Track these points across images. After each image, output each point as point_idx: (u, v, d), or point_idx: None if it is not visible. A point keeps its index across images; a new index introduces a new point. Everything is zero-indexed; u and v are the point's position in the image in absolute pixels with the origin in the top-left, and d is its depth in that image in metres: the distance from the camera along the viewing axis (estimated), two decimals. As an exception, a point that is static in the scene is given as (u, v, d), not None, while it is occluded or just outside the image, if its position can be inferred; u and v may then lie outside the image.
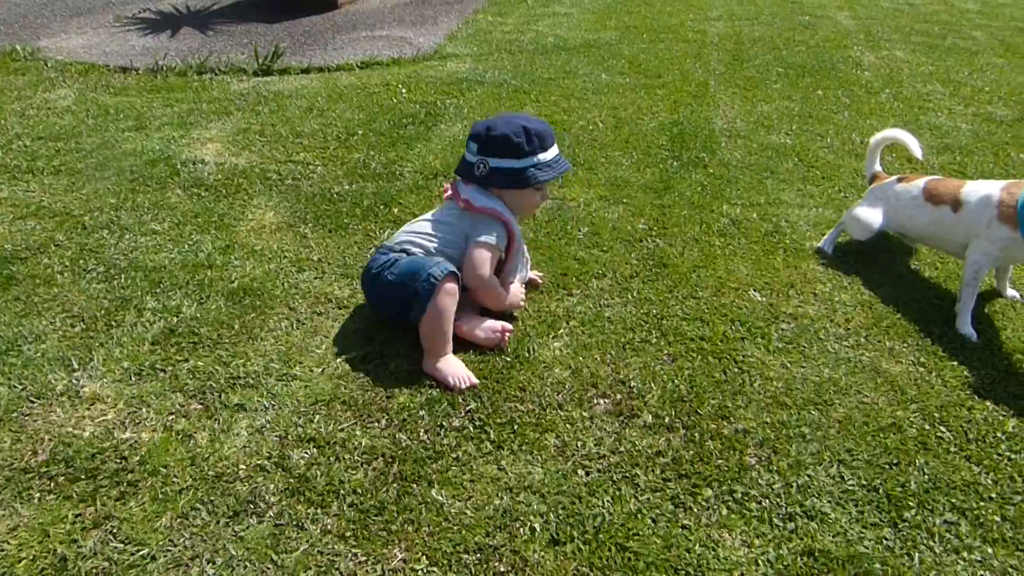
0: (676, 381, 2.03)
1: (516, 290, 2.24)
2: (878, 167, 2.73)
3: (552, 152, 2.14)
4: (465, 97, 4.33)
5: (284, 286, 2.49)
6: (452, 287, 2.04)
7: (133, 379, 2.09)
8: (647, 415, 1.93)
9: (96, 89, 4.83)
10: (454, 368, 2.01)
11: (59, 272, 2.62)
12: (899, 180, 2.57)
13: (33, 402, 2.03)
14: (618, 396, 1.98)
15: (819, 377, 2.07)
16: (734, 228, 2.82)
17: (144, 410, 1.98)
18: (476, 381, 1.99)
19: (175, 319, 2.33)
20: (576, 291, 2.42)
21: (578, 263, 2.57)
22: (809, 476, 1.77)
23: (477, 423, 1.90)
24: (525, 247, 2.35)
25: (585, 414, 1.93)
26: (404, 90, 4.51)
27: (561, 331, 2.23)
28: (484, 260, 2.14)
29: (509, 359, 2.12)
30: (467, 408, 1.95)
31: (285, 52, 5.52)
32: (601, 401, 1.98)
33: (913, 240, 2.56)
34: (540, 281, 2.42)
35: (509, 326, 2.13)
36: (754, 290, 2.44)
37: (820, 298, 2.41)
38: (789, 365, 2.12)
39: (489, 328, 2.12)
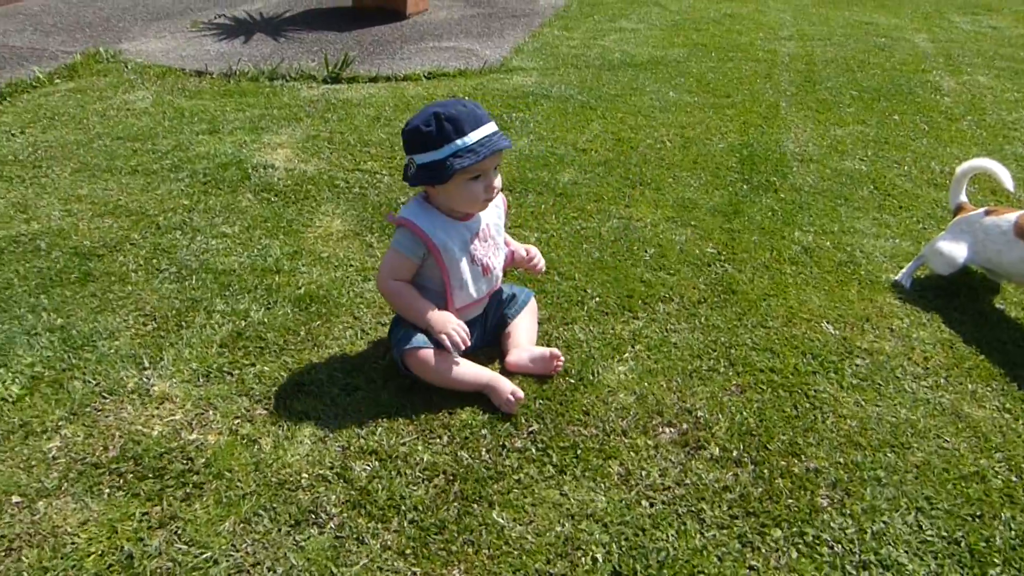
0: (744, 413, 1.97)
1: (444, 318, 2.00)
2: (963, 198, 2.63)
3: (477, 134, 1.87)
4: (531, 111, 4.33)
5: (349, 295, 2.51)
6: (423, 356, 2.00)
7: (201, 380, 2.13)
8: (714, 447, 1.88)
9: (172, 92, 4.97)
10: (497, 393, 1.98)
11: (133, 270, 2.68)
12: (987, 213, 2.47)
13: (105, 398, 2.08)
14: (684, 426, 1.94)
15: (895, 418, 2.00)
16: (806, 256, 2.75)
17: (211, 412, 2.01)
18: (521, 394, 1.95)
19: (243, 323, 2.37)
20: (642, 314, 2.39)
21: (644, 285, 2.53)
22: (884, 523, 1.70)
23: (540, 445, 1.88)
24: (494, 257, 2.12)
25: (650, 442, 1.89)
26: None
27: (626, 355, 2.20)
28: (384, 265, 2.05)
29: (573, 381, 2.09)
30: (530, 429, 1.93)
31: (354, 60, 5.60)
32: (666, 430, 1.93)
33: (999, 277, 2.45)
34: (531, 266, 2.22)
35: (559, 355, 2.09)
36: (827, 322, 2.36)
37: (897, 334, 2.33)
38: (863, 403, 2.04)
39: (539, 358, 2.08)
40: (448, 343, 2.00)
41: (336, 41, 5.92)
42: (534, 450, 1.86)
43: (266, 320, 2.38)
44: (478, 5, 6.79)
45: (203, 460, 1.86)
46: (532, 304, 2.27)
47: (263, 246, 2.84)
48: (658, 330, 2.31)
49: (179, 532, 1.67)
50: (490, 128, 1.94)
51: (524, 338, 2.16)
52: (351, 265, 2.72)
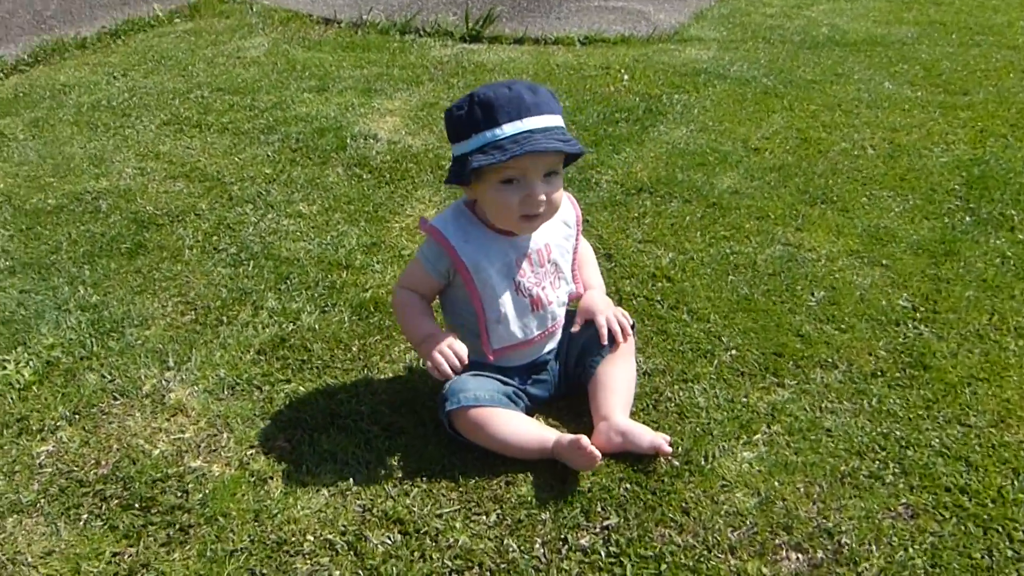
0: (911, 550, 1.62)
1: (435, 339, 1.78)
2: None
3: (514, 127, 1.65)
4: (699, 93, 4.01)
5: (422, 307, 2.34)
6: (473, 417, 1.79)
7: (225, 393, 2.03)
8: (857, 593, 1.55)
9: (291, 41, 5.04)
10: (568, 452, 1.74)
11: (189, 247, 2.66)
12: None
13: (116, 399, 2.03)
14: (819, 554, 1.61)
15: None
16: (1041, 327, 2.30)
17: (224, 435, 1.91)
18: (598, 455, 1.70)
19: (291, 326, 2.26)
20: (790, 381, 2.06)
21: (800, 341, 2.19)
22: None
23: (613, 548, 1.62)
24: (552, 288, 1.89)
25: (766, 570, 1.58)
26: (626, 76, 4.27)
27: (757, 437, 1.89)
28: (402, 276, 1.93)
29: (677, 464, 1.81)
30: (605, 522, 1.68)
31: (500, 17, 5.47)
32: (793, 556, 1.62)
33: None
34: (619, 333, 1.91)
35: (668, 449, 1.80)
36: (1058, 428, 1.94)
37: None
38: (1096, 559, 1.63)
39: (637, 446, 1.80)
40: (434, 371, 1.78)
41: (485, -8, 5.82)
42: (604, 554, 1.61)
43: (317, 326, 2.26)
44: (659, -41, 6.47)
45: (200, 496, 1.75)
46: (629, 345, 1.98)
47: (338, 233, 2.74)
48: (808, 407, 1.97)
49: (147, 587, 1.56)
50: (542, 122, 1.68)
51: (618, 402, 1.89)
52: (434, 268, 2.55)
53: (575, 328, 1.97)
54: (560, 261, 1.93)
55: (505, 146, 1.66)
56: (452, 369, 1.77)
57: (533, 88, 1.72)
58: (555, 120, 1.73)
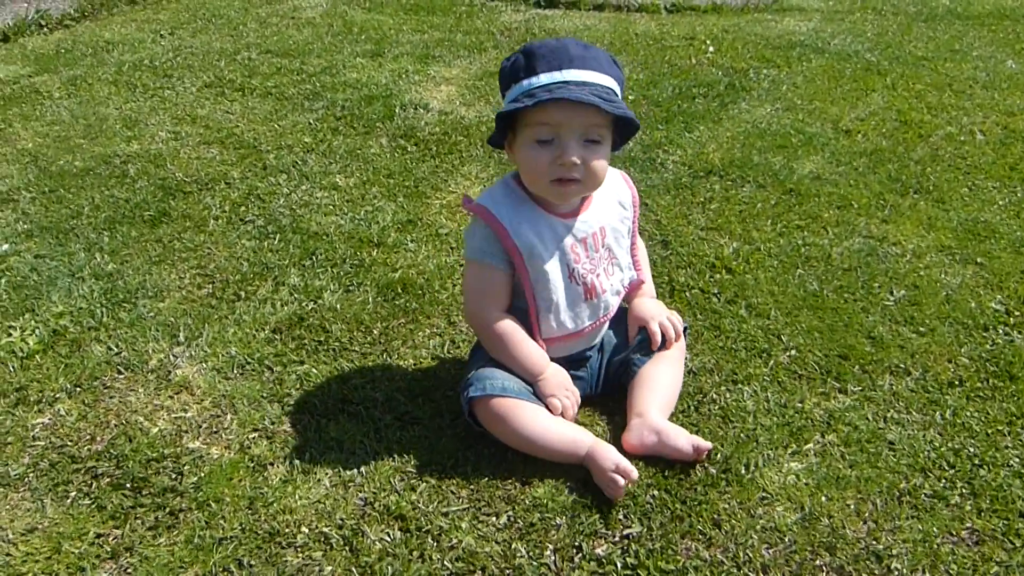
0: (972, 581, 1.55)
1: (555, 380, 1.84)
2: None
3: (550, 76, 1.65)
4: (791, 68, 3.92)
5: (454, 290, 2.36)
6: (496, 407, 1.79)
7: (234, 372, 2.08)
8: (903, 627, 1.49)
9: (352, 1, 5.12)
10: (597, 465, 1.72)
11: (215, 217, 2.73)
12: None
13: (120, 372, 2.09)
14: (864, 579, 1.56)
15: None
16: None
17: (228, 416, 1.95)
18: (634, 474, 1.68)
19: (311, 305, 2.30)
20: (854, 387, 2.00)
21: (871, 343, 2.12)
22: None
23: (631, 559, 1.60)
24: (606, 275, 1.88)
25: (801, 594, 1.54)
26: (711, 48, 4.21)
27: (808, 446, 1.84)
28: (466, 288, 1.89)
29: (714, 471, 1.78)
30: (626, 531, 1.66)
31: (576, -20, 5.43)
32: (834, 580, 1.57)
33: None
34: (672, 339, 1.93)
35: (707, 445, 1.77)
36: None
37: None
38: None
39: (673, 447, 1.77)
40: (557, 410, 1.82)
41: (560, -46, 5.79)
42: (620, 565, 1.59)
43: (338, 306, 2.29)
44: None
45: (194, 479, 1.79)
46: (679, 349, 1.96)
47: (373, 208, 2.77)
48: (870, 417, 1.91)
49: (129, 570, 1.61)
50: (579, 75, 1.66)
51: (656, 401, 1.86)
52: (471, 249, 2.56)
53: (630, 338, 1.97)
54: (614, 246, 1.91)
55: (537, 94, 1.66)
56: (570, 410, 1.83)
57: (584, 45, 1.71)
58: (603, 79, 1.70)
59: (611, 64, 1.74)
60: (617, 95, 1.73)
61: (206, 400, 2.01)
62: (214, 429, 1.93)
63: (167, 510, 1.73)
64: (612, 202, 1.87)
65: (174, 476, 1.81)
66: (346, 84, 3.77)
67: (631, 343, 1.97)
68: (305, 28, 4.60)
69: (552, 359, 1.89)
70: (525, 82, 1.68)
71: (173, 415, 1.97)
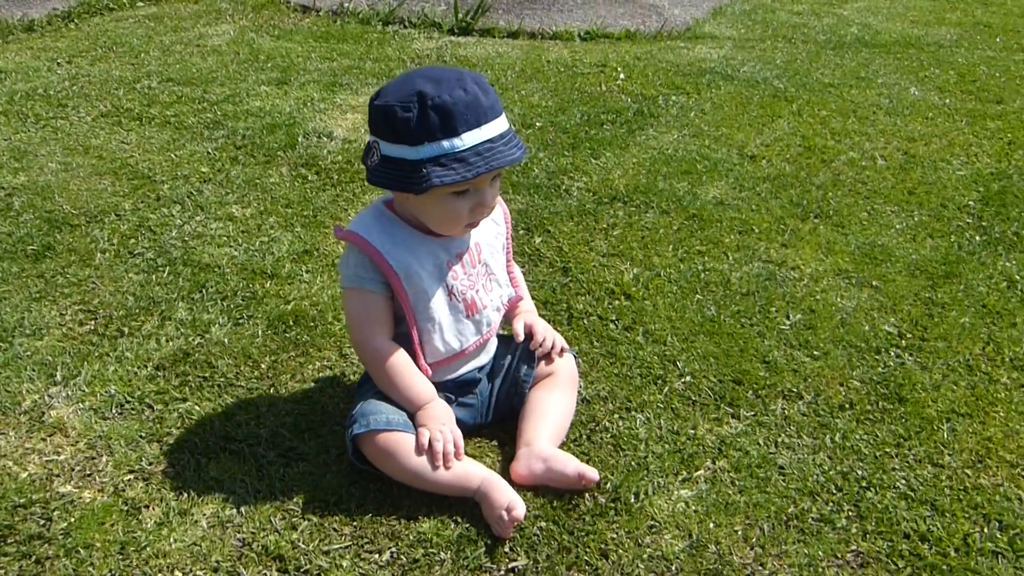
0: (855, 605, 1.58)
1: (433, 413, 1.81)
2: None
3: (474, 136, 1.66)
4: (700, 95, 4.00)
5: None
6: (382, 443, 1.78)
7: (112, 412, 2.03)
8: (785, 653, 1.51)
9: (260, 29, 5.10)
10: (488, 503, 1.72)
11: (102, 250, 2.67)
12: None
13: (-9, 415, 2.02)
14: (749, 606, 1.58)
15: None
16: (1043, 360, 2.25)
17: (104, 459, 1.91)
18: (521, 513, 1.68)
19: (197, 340, 2.26)
20: (746, 412, 2.03)
21: (765, 368, 2.16)
22: None
23: (516, 594, 1.60)
24: (485, 291, 1.91)
25: (686, 624, 1.55)
26: (622, 75, 4.28)
27: (699, 472, 1.86)
28: (348, 318, 1.90)
29: (603, 501, 1.78)
30: (511, 565, 1.65)
31: (491, 7, 5.50)
32: (719, 607, 1.58)
33: None
34: (549, 351, 1.98)
35: (594, 475, 1.78)
36: (1044, 473, 1.89)
37: None
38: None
39: (560, 475, 1.78)
40: (423, 442, 1.77)
41: (475, -19, 5.85)
42: (503, 600, 1.58)
43: (227, 340, 2.26)
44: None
45: (63, 526, 1.74)
46: (569, 368, 1.98)
47: (269, 239, 2.75)
48: (762, 442, 1.94)
49: (-13, 623, 1.55)
50: (497, 128, 1.70)
51: (546, 429, 1.87)
52: (369, 280, 2.55)
53: (517, 335, 1.98)
54: (491, 261, 1.94)
55: (468, 160, 1.67)
56: (446, 456, 1.76)
57: (482, 86, 1.72)
58: (505, 122, 1.74)
59: (496, 95, 1.76)
60: (515, 132, 1.77)
61: (81, 442, 1.96)
62: (87, 472, 1.88)
63: (33, 558, 1.68)
64: (487, 220, 1.89)
65: (42, 522, 1.76)
66: (248, 112, 3.74)
67: (517, 338, 1.98)
68: (210, 56, 4.56)
69: (440, 384, 1.89)
70: (447, 143, 1.66)
71: (44, 458, 1.91)
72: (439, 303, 1.83)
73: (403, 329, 1.84)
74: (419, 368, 1.85)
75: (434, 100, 1.64)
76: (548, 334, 1.99)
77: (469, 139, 1.66)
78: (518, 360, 1.98)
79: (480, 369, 1.98)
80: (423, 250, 1.81)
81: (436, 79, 1.68)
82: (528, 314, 2.04)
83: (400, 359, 1.83)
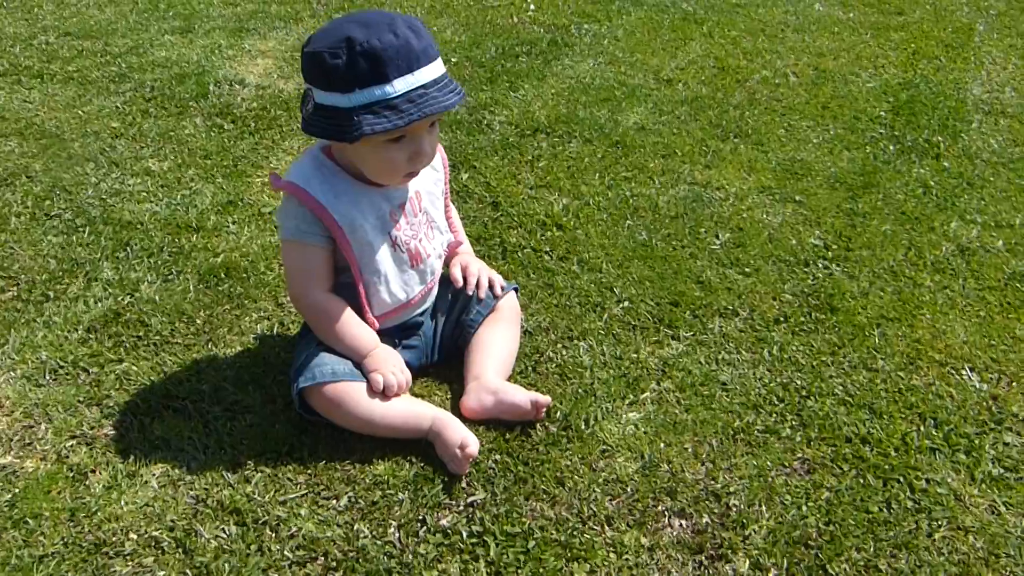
0: (804, 508, 1.62)
1: (382, 357, 1.78)
2: None
3: (406, 82, 1.60)
4: (611, 23, 3.96)
5: (280, 270, 2.28)
6: (330, 393, 1.74)
7: (46, 378, 1.95)
8: (742, 560, 1.54)
9: (155, -24, 4.84)
10: (442, 441, 1.70)
11: (16, 214, 2.54)
12: None
13: (-85, 392, 1.92)
14: (704, 519, 1.60)
15: (1052, 538, 1.60)
16: (960, 261, 2.31)
17: (43, 426, 1.83)
18: (475, 448, 1.67)
19: (127, 299, 2.18)
20: (685, 333, 2.04)
21: (700, 288, 2.18)
22: None
23: (476, 527, 1.59)
24: (428, 239, 1.87)
25: (645, 541, 1.57)
26: (532, 6, 4.20)
27: (645, 396, 1.87)
28: (287, 270, 1.84)
29: (554, 429, 1.78)
30: (469, 499, 1.64)
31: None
32: (676, 523, 1.61)
33: None
34: (492, 289, 1.94)
35: (545, 403, 1.78)
36: (971, 369, 1.96)
37: (1082, 397, 1.90)
38: (1003, 509, 1.65)
39: (511, 406, 1.77)
40: (378, 388, 1.74)
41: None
42: (465, 534, 1.58)
43: (157, 298, 2.18)
44: None
45: (7, 497, 1.67)
46: (510, 304, 1.96)
47: (191, 192, 2.65)
48: (704, 360, 1.96)
49: (-63, 605, 1.48)
50: (431, 73, 1.64)
51: (492, 363, 1.86)
52: (298, 227, 2.48)
53: (456, 281, 1.94)
54: (431, 209, 1.89)
55: (400, 106, 1.60)
56: (399, 388, 1.75)
57: (415, 29, 1.64)
58: (441, 66, 1.68)
59: (432, 37, 1.70)
60: (450, 77, 1.71)
61: (16, 411, 1.87)
62: (27, 441, 1.80)
63: (-22, 534, 1.60)
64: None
65: (-15, 496, 1.68)
66: (155, 64, 3.58)
67: (456, 284, 1.94)
68: (107, 7, 4.34)
69: (383, 329, 1.85)
70: (378, 90, 1.59)
71: (-21, 432, 1.83)
72: (384, 255, 1.78)
73: (347, 280, 1.79)
74: (366, 321, 1.81)
75: (363, 45, 1.57)
76: (483, 275, 1.96)
77: (401, 85, 1.60)
78: (462, 302, 1.95)
79: (423, 313, 1.95)
80: (365, 201, 1.75)
81: (365, 23, 1.61)
82: (463, 256, 2.01)
83: (340, 309, 1.78)
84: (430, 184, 1.88)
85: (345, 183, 1.75)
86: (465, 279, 1.94)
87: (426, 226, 1.86)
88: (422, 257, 1.84)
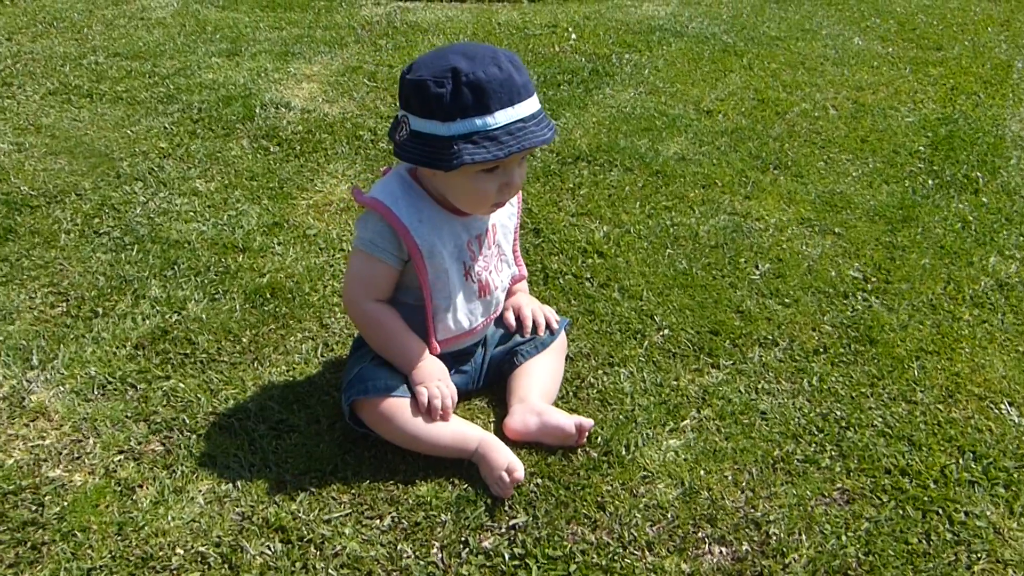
0: (843, 538, 1.62)
1: (429, 371, 1.80)
2: None
3: (507, 115, 1.62)
4: (651, 52, 4.00)
5: (325, 291, 2.31)
6: (381, 407, 1.77)
7: (94, 393, 1.98)
8: (782, 590, 1.54)
9: (204, 0, 4.96)
10: (487, 464, 1.72)
11: (66, 231, 2.60)
12: None
13: (-31, 403, 1.96)
14: (744, 546, 1.61)
15: (1096, 576, 1.59)
16: (999, 296, 2.31)
17: (91, 440, 1.86)
18: (520, 473, 1.69)
19: (174, 317, 2.22)
20: (725, 361, 2.05)
21: (740, 318, 2.19)
22: None
23: (519, 549, 1.61)
24: (497, 272, 1.91)
25: (686, 567, 1.57)
26: (573, 35, 4.25)
27: (685, 423, 1.88)
28: (349, 275, 1.85)
29: (595, 455, 1.80)
30: (512, 522, 1.66)
31: (436, -28, 5.41)
32: (716, 550, 1.61)
33: None
34: (548, 327, 1.99)
35: (589, 422, 1.79)
36: (1009, 404, 1.95)
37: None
38: (1046, 545, 1.64)
39: (555, 429, 1.79)
40: (423, 401, 1.77)
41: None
42: (507, 556, 1.59)
43: (204, 316, 2.22)
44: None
45: (56, 510, 1.70)
46: (560, 342, 1.99)
47: (237, 212, 2.69)
48: (744, 389, 1.97)
49: (-10, 612, 1.52)
50: (529, 107, 1.66)
51: (537, 387, 1.88)
52: (342, 249, 2.52)
53: (510, 326, 1.99)
54: (503, 242, 1.93)
55: (500, 138, 1.63)
56: (443, 411, 1.77)
57: (516, 64, 1.67)
58: (537, 102, 1.71)
59: (529, 74, 1.73)
60: (545, 113, 1.74)
61: (65, 425, 1.91)
62: (76, 455, 1.84)
63: (29, 544, 1.63)
64: None
65: (34, 508, 1.71)
66: (202, 85, 3.65)
67: (510, 330, 1.98)
68: (155, 29, 4.43)
69: (440, 355, 1.88)
70: (479, 121, 1.61)
71: (30, 443, 1.86)
72: (456, 283, 1.82)
73: (416, 303, 1.82)
74: (429, 346, 1.84)
75: (468, 76, 1.60)
76: (539, 315, 1.99)
77: (502, 117, 1.62)
78: (520, 339, 1.98)
79: (478, 342, 1.98)
80: (446, 229, 1.79)
81: (470, 55, 1.64)
82: (519, 296, 2.04)
83: (392, 319, 1.82)
84: (505, 218, 1.91)
85: (430, 208, 1.78)
86: (521, 322, 1.97)
87: (497, 259, 1.89)
88: (490, 289, 1.88)
